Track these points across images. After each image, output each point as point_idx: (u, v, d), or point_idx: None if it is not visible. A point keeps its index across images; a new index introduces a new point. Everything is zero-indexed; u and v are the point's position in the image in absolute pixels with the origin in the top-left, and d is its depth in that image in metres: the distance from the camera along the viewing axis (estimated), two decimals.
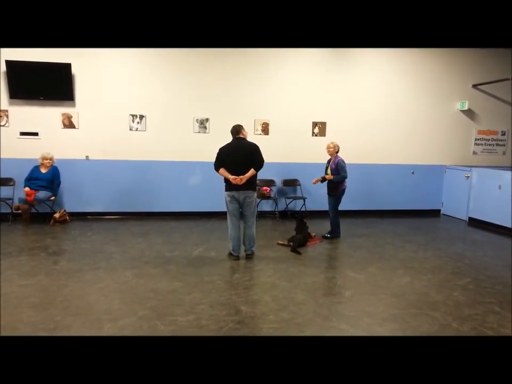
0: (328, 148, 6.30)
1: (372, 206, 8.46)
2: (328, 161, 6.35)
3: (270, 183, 7.91)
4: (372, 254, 5.58)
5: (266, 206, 8.06)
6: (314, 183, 6.32)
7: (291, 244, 5.71)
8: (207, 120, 7.62)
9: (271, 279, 4.50)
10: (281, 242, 5.90)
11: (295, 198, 7.97)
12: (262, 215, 7.90)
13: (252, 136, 7.82)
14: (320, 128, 8.08)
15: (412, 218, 8.19)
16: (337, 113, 8.12)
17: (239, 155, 5.07)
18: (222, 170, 5.08)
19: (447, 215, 8.64)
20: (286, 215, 7.97)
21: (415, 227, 7.43)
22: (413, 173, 8.57)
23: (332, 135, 8.00)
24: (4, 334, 3.15)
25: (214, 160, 5.15)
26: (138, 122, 7.39)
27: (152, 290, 4.10)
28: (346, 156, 6.37)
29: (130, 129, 7.39)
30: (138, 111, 7.39)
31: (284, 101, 7.89)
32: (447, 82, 8.53)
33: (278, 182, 8.01)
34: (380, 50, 8.12)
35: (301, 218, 6.17)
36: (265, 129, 7.88)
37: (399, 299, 4.04)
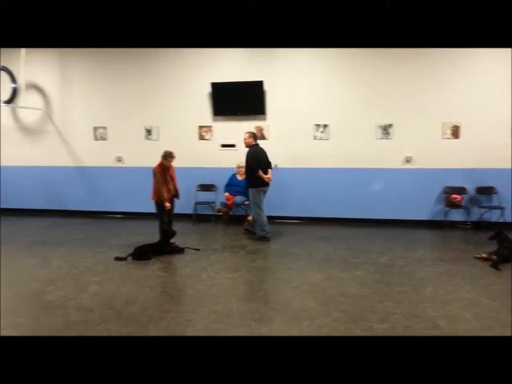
0: None
1: None
2: None
3: (461, 190, 7.25)
4: None
5: (456, 215, 7.41)
6: None
7: (493, 257, 5.13)
8: (390, 125, 7.45)
9: (470, 295, 4.15)
10: (480, 256, 5.36)
11: (491, 208, 7.14)
12: (452, 225, 7.33)
13: (440, 140, 7.32)
14: None
15: None
16: None
17: (264, 158, 6.48)
18: (260, 171, 6.23)
19: None
20: (480, 226, 7.20)
21: None
22: None
23: None
24: (219, 317, 3.67)
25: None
26: (322, 131, 7.71)
27: (343, 294, 4.22)
28: None
29: (314, 139, 7.76)
30: (322, 120, 7.70)
31: (478, 101, 7.14)
32: None
33: (470, 189, 7.30)
34: None
35: (498, 230, 5.53)
36: (455, 133, 7.28)
37: None
